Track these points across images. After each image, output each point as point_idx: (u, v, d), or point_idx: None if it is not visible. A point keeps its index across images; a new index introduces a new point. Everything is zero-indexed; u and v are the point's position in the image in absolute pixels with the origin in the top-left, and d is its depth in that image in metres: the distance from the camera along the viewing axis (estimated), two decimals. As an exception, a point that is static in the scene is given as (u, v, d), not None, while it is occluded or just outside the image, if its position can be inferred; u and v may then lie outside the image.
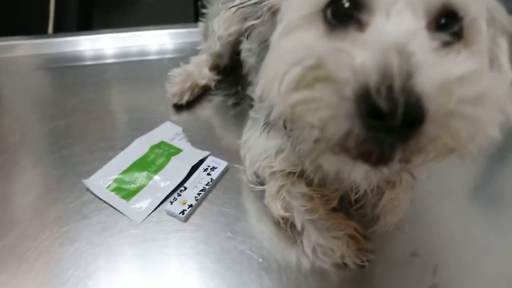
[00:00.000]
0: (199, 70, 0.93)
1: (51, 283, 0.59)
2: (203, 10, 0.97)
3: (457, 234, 0.66)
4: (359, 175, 0.45)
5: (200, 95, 0.93)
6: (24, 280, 0.60)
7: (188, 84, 0.90)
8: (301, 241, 0.63)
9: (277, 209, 0.64)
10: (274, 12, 0.50)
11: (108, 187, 0.71)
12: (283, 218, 0.65)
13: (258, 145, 0.66)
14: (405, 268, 0.62)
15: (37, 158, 0.79)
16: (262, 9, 0.52)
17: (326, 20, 0.42)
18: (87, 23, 1.78)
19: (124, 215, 0.68)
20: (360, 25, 0.40)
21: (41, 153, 0.80)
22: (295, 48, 0.41)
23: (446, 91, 0.32)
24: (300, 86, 0.36)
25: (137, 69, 1.04)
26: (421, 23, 0.38)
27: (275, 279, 0.60)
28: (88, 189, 0.71)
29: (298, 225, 0.63)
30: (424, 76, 0.32)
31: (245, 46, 0.82)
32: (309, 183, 0.64)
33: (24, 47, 1.11)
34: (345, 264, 0.61)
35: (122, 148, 0.78)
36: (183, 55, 1.03)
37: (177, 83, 0.90)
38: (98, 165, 0.75)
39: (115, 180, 0.72)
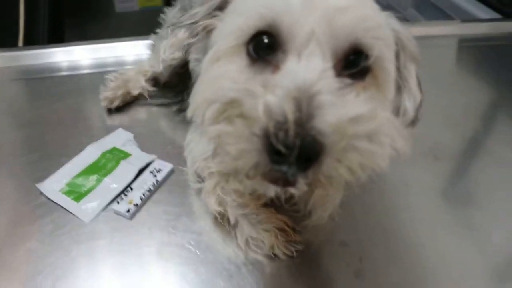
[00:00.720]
0: (137, 79, 0.99)
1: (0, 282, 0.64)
2: (157, 30, 1.03)
3: (384, 225, 0.73)
4: (273, 192, 0.49)
5: (152, 104, 0.99)
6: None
7: (120, 92, 0.95)
8: (235, 234, 0.68)
9: (212, 205, 0.69)
10: (208, 32, 0.56)
11: (60, 190, 0.76)
12: (219, 213, 0.69)
13: (199, 146, 0.71)
14: (334, 256, 0.68)
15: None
16: (197, 28, 0.58)
17: (248, 54, 0.47)
18: (58, 36, 1.82)
19: (75, 216, 0.73)
20: (277, 64, 0.44)
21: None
22: (220, 78, 0.46)
23: (341, 130, 0.37)
24: (219, 119, 0.41)
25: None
26: (328, 64, 0.42)
27: (210, 270, 0.65)
28: (41, 193, 0.76)
29: (232, 219, 0.68)
30: (323, 117, 0.37)
31: (193, 56, 0.87)
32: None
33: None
34: (275, 255, 0.66)
35: (76, 155, 0.83)
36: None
37: (111, 88, 0.95)
38: (52, 171, 0.80)
39: (68, 184, 0.77)
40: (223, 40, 0.49)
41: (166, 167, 0.80)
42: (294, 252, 0.66)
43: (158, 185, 0.77)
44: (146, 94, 1.00)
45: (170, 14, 0.98)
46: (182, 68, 0.95)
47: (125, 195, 0.74)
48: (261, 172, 0.40)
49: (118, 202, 0.73)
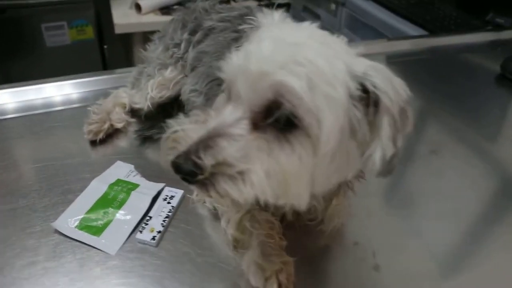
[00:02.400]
0: (117, 112, 1.00)
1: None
2: (139, 65, 1.06)
3: (386, 225, 0.81)
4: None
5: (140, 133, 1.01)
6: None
7: (106, 126, 0.97)
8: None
9: (230, 229, 0.73)
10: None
11: (76, 226, 0.75)
12: (234, 239, 0.73)
13: None
14: (350, 255, 0.75)
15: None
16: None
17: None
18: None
19: (98, 249, 0.73)
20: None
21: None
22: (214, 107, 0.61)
23: (212, 166, 0.51)
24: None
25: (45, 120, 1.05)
26: (246, 115, 0.53)
27: (243, 284, 0.69)
28: (56, 231, 0.75)
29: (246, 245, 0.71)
30: (205, 155, 0.51)
31: (187, 88, 0.91)
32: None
33: None
34: None
35: (81, 190, 0.83)
36: (90, 104, 1.07)
37: (96, 121, 0.96)
38: (60, 208, 0.79)
39: (82, 220, 0.76)
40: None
41: (178, 193, 0.82)
42: None
43: (174, 211, 0.80)
44: (126, 126, 1.01)
45: (154, 54, 1.01)
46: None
47: (146, 224, 0.76)
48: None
49: (140, 232, 0.74)
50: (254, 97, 0.52)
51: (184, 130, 0.54)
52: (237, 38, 0.82)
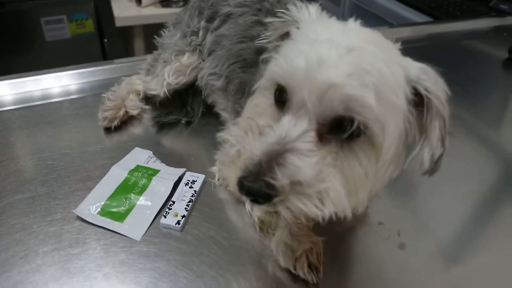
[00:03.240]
0: (131, 99, 0.99)
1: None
2: (154, 51, 1.04)
3: (406, 205, 0.81)
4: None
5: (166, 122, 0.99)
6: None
7: (121, 112, 0.95)
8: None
9: (256, 211, 0.72)
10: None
11: (99, 213, 0.73)
12: (261, 220, 0.72)
13: None
14: (375, 235, 0.74)
15: (10, 200, 0.78)
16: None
17: (274, 95, 0.55)
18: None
19: (122, 235, 0.71)
20: (284, 113, 0.53)
21: (15, 195, 0.80)
22: (254, 108, 0.58)
23: (286, 187, 0.47)
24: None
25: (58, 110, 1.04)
26: (312, 127, 0.50)
27: (270, 265, 0.68)
28: (78, 218, 0.73)
29: (273, 226, 0.70)
30: (278, 175, 0.46)
31: (206, 71, 0.90)
32: None
33: None
34: (296, 271, 0.66)
35: (100, 177, 0.81)
36: (89, 95, 1.07)
37: (111, 108, 0.94)
38: (81, 195, 0.77)
39: (104, 206, 0.74)
40: (266, 78, 0.57)
41: (199, 177, 0.81)
42: (314, 278, 0.65)
43: (197, 195, 0.78)
44: (141, 113, 1.00)
45: (171, 41, 0.99)
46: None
47: (170, 208, 0.74)
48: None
49: (165, 216, 0.73)
50: (322, 109, 0.49)
51: (245, 146, 0.50)
52: (257, 21, 0.80)
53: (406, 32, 1.59)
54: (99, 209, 0.74)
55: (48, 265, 0.67)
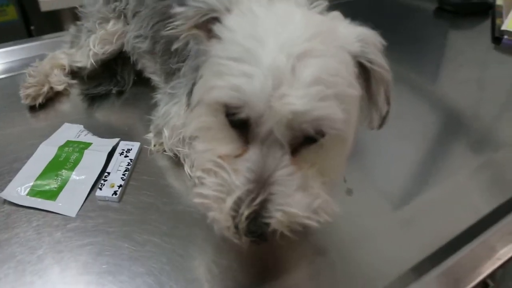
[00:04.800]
0: (56, 73, 0.92)
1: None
2: (77, 22, 0.97)
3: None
4: None
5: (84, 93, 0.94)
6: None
7: (45, 89, 0.89)
8: None
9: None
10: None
11: (28, 193, 0.68)
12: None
13: (180, 116, 0.70)
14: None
15: None
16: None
17: (226, 114, 0.50)
18: None
19: (56, 213, 0.67)
20: (246, 140, 0.50)
21: None
22: (204, 136, 0.54)
23: (284, 221, 0.46)
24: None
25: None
26: (285, 150, 0.48)
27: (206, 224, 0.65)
28: (6, 202, 0.68)
29: None
30: (271, 212, 0.46)
31: (131, 35, 0.84)
32: None
33: None
34: None
35: (28, 157, 0.75)
36: (16, 74, 1.00)
37: (33, 84, 0.88)
38: (7, 178, 0.71)
39: (33, 186, 0.69)
40: (207, 90, 0.50)
41: (134, 145, 0.77)
42: None
43: (133, 164, 0.74)
44: (68, 89, 0.94)
45: (93, 8, 0.92)
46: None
47: (105, 180, 0.70)
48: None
49: (100, 189, 0.69)
50: (292, 134, 0.47)
51: (225, 188, 0.48)
52: None
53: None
54: (28, 189, 0.69)
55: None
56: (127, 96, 0.93)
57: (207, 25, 0.54)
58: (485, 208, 0.72)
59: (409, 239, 0.67)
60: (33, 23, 2.22)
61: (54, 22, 2.30)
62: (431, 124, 0.93)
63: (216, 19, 0.53)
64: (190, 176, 0.71)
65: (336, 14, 0.55)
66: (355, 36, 0.52)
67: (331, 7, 0.57)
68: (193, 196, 0.52)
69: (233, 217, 0.47)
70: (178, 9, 0.55)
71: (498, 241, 0.65)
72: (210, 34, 0.54)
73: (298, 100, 0.44)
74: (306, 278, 0.61)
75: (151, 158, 0.77)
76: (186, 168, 0.71)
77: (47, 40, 1.12)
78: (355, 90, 0.50)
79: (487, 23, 1.38)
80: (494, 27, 1.31)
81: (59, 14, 2.26)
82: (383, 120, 0.57)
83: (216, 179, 0.49)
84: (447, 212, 0.72)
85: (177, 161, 0.75)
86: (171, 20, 0.57)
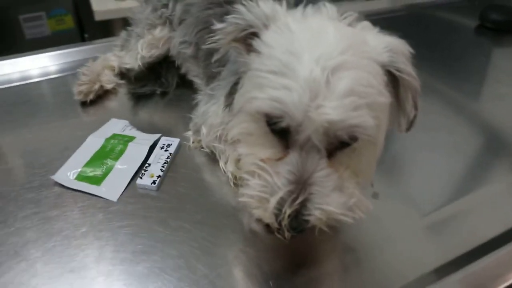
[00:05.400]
0: (106, 73, 1.00)
1: (43, 275, 0.61)
2: (128, 28, 1.05)
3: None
4: None
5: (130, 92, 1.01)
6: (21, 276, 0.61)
7: (96, 86, 0.96)
8: None
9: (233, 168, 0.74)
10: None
11: (76, 178, 0.75)
12: (234, 175, 0.74)
13: (218, 115, 0.75)
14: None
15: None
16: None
17: (267, 122, 0.54)
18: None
19: (100, 197, 0.72)
20: (287, 145, 0.54)
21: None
22: (247, 141, 0.59)
23: (324, 214, 0.51)
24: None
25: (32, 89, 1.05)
26: (322, 155, 0.53)
27: (246, 218, 0.70)
28: (56, 184, 0.74)
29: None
30: (311, 210, 0.51)
31: (177, 41, 0.91)
32: None
33: None
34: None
35: (78, 147, 0.82)
36: (68, 74, 1.09)
37: (85, 82, 0.95)
38: (58, 164, 0.78)
39: (81, 172, 0.75)
40: (248, 100, 0.55)
41: (174, 141, 0.82)
42: None
43: (172, 158, 0.80)
44: (116, 88, 1.02)
45: (142, 15, 1.00)
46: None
47: (146, 170, 0.76)
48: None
49: (141, 178, 0.74)
50: (328, 140, 0.52)
51: (268, 189, 0.53)
52: None
53: (382, 3, 1.62)
54: (76, 174, 0.75)
55: (27, 227, 0.67)
56: (171, 97, 1.00)
57: (246, 39, 0.59)
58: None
59: (433, 244, 0.69)
60: (87, 31, 2.36)
61: (106, 30, 2.44)
62: (470, 141, 0.94)
63: (254, 34, 0.58)
64: (224, 171, 0.75)
65: (366, 24, 0.60)
66: (383, 46, 0.55)
67: (372, 22, 0.60)
68: (238, 196, 0.57)
69: (276, 215, 0.52)
70: (218, 26, 0.61)
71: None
72: (249, 48, 0.59)
73: (333, 110, 0.48)
74: (327, 273, 0.64)
75: (189, 154, 0.82)
76: (221, 163, 0.76)
77: (97, 45, 1.21)
78: (385, 98, 0.53)
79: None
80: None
81: (111, 23, 2.39)
82: (410, 124, 0.60)
83: (259, 181, 0.54)
84: (475, 221, 0.73)
85: (213, 158, 0.80)
86: (212, 33, 0.63)
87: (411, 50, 0.58)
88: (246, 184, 0.57)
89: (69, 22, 2.34)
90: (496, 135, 0.96)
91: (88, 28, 2.35)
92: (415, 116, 0.60)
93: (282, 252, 0.66)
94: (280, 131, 0.53)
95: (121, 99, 0.99)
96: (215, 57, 0.66)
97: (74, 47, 1.18)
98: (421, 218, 0.73)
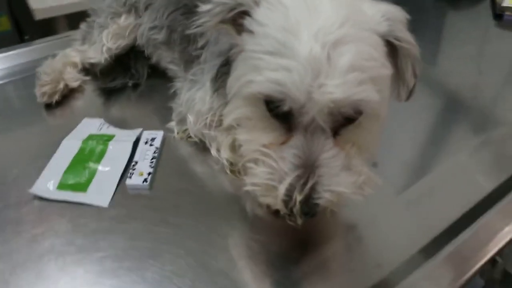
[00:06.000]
0: (69, 71, 0.91)
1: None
2: (87, 19, 0.96)
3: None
4: None
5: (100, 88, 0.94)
6: None
7: (61, 86, 0.88)
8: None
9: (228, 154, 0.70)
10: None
11: (58, 187, 0.68)
12: (229, 162, 0.70)
13: (205, 101, 0.70)
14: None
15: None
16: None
17: (266, 104, 0.52)
18: None
19: (89, 205, 0.66)
20: (289, 128, 0.52)
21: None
22: (245, 126, 0.56)
23: (334, 195, 0.50)
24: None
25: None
26: (328, 135, 0.51)
27: (249, 204, 0.67)
28: (36, 197, 0.68)
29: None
30: (320, 193, 0.49)
31: (145, 27, 0.85)
32: None
33: None
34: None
35: (52, 153, 0.75)
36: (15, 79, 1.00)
37: (48, 82, 0.87)
38: (34, 175, 0.71)
39: (62, 179, 0.69)
40: (244, 83, 0.52)
41: (158, 134, 0.77)
42: None
43: (159, 152, 0.74)
44: (83, 85, 0.94)
45: (103, 4, 0.92)
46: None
47: (133, 169, 0.70)
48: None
49: (130, 177, 0.69)
50: (333, 118, 0.50)
51: (276, 176, 0.51)
52: None
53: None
54: (57, 184, 0.69)
55: (13, 250, 0.61)
56: (143, 88, 0.93)
57: (236, 19, 0.55)
58: (488, 185, 0.71)
59: (414, 222, 0.66)
60: (27, 33, 2.21)
61: (48, 30, 2.29)
62: (430, 105, 0.92)
63: (245, 13, 0.54)
64: (218, 158, 0.71)
65: None
66: (381, 15, 0.53)
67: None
68: (242, 185, 0.55)
69: (286, 202, 0.50)
70: (204, 8, 0.56)
71: (504, 218, 0.65)
72: (240, 28, 0.55)
73: (337, 88, 0.46)
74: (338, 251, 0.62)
75: (175, 145, 0.77)
76: (213, 151, 0.71)
77: (42, 44, 1.11)
78: (387, 69, 0.52)
79: (487, 2, 1.37)
80: (494, 5, 1.31)
81: (53, 23, 2.25)
82: (410, 93, 0.59)
83: (265, 168, 0.52)
84: (450, 193, 0.70)
85: (202, 147, 0.75)
86: (186, 14, 0.58)
87: (408, 16, 0.56)
88: (250, 172, 0.54)
89: (5, 24, 2.18)
90: (455, 98, 0.96)
91: (27, 29, 2.20)
92: (414, 84, 0.58)
93: (291, 234, 0.63)
94: (282, 115, 0.51)
95: (89, 96, 0.92)
96: (200, 41, 0.61)
97: (13, 49, 1.07)
98: (397, 197, 0.70)
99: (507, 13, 1.27)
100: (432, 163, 0.76)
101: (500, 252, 0.61)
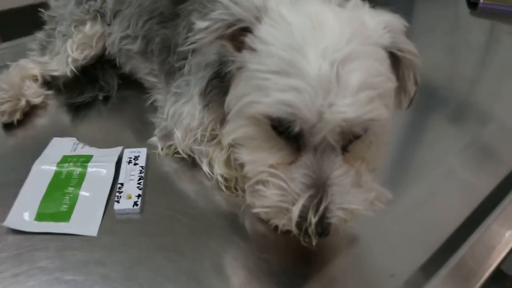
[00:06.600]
0: (28, 85, 0.84)
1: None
2: (44, 27, 0.88)
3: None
4: None
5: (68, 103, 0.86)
6: None
7: (22, 103, 0.80)
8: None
9: (219, 169, 0.67)
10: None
11: (36, 218, 0.61)
12: (224, 178, 0.67)
13: (195, 116, 0.66)
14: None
15: None
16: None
17: (272, 126, 0.50)
18: None
19: (75, 235, 0.61)
20: (298, 149, 0.51)
21: None
22: (249, 146, 0.54)
23: (347, 213, 0.49)
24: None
25: None
26: (338, 152, 0.50)
27: (248, 221, 0.64)
28: (10, 230, 0.60)
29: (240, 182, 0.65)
30: (333, 212, 0.48)
31: (116, 36, 0.79)
32: None
33: None
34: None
35: (22, 180, 0.67)
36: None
37: (7, 99, 0.79)
38: (5, 205, 0.63)
39: (40, 209, 0.62)
40: (248, 103, 0.51)
41: (141, 151, 0.71)
42: None
43: (145, 171, 0.69)
44: (46, 101, 0.85)
45: (65, 11, 0.85)
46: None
47: (120, 192, 0.65)
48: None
49: (118, 201, 0.64)
50: (343, 137, 0.49)
51: (288, 198, 0.50)
52: None
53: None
54: (34, 214, 0.62)
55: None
56: (114, 101, 0.87)
57: (236, 36, 0.53)
58: (484, 189, 0.71)
59: (412, 238, 0.64)
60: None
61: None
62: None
63: (245, 29, 0.52)
64: (210, 175, 0.67)
65: (356, 2, 0.56)
66: (383, 27, 0.53)
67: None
68: (253, 209, 0.54)
69: (300, 224, 0.49)
70: (201, 24, 0.53)
71: (503, 225, 0.65)
72: (239, 45, 0.53)
73: (348, 108, 0.45)
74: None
75: (161, 162, 0.72)
76: (205, 167, 0.68)
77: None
78: (392, 83, 0.52)
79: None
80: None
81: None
82: (411, 101, 0.59)
83: (275, 190, 0.50)
84: (446, 202, 0.70)
85: (189, 163, 0.71)
86: (172, 25, 0.55)
87: (406, 24, 0.56)
88: (259, 194, 0.52)
89: None
90: (427, 90, 0.96)
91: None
92: (415, 92, 0.58)
93: (298, 249, 0.60)
94: (292, 135, 0.49)
95: (54, 113, 0.84)
96: (195, 59, 0.59)
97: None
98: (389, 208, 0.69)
99: (482, 0, 1.26)
100: (421, 172, 0.76)
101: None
